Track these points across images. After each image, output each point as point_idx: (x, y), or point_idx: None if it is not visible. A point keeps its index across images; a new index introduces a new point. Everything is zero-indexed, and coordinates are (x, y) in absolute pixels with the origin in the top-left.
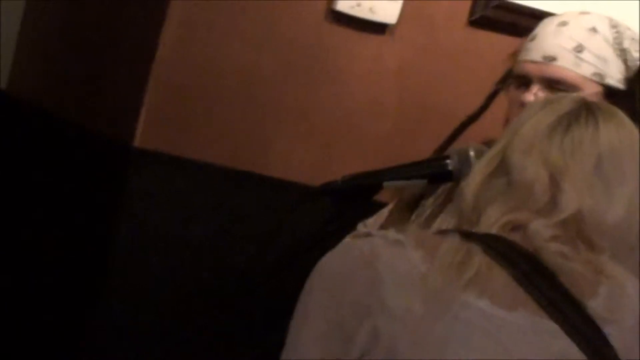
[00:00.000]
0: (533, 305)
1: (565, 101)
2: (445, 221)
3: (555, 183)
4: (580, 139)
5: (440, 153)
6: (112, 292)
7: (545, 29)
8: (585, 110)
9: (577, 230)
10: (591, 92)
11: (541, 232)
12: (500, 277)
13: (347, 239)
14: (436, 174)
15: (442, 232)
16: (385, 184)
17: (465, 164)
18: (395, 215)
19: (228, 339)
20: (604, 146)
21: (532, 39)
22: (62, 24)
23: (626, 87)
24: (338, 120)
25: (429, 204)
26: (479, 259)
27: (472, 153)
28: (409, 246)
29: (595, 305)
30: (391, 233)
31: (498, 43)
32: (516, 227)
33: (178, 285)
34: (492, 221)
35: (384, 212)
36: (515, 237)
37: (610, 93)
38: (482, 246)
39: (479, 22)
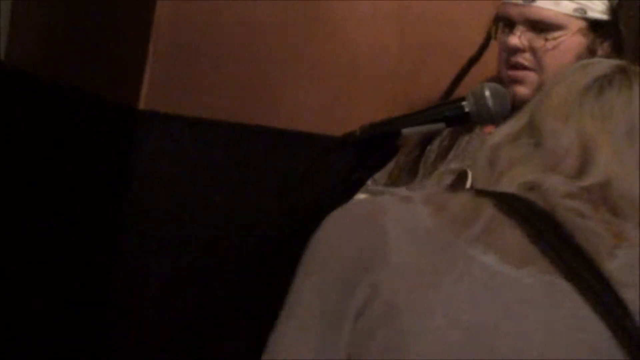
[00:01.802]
0: (545, 263)
1: (601, 65)
2: (455, 164)
3: (586, 151)
4: (611, 105)
5: (447, 96)
6: (125, 256)
7: None
8: (620, 74)
9: (603, 197)
10: (575, 29)
11: (558, 189)
12: (511, 234)
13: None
14: (453, 116)
15: (455, 190)
16: (404, 130)
17: (481, 104)
18: (402, 164)
19: (243, 301)
20: (636, 112)
21: None
22: None
23: (610, 17)
24: (342, 65)
25: (434, 148)
26: (489, 214)
27: (487, 92)
28: (417, 202)
29: (613, 268)
30: (401, 190)
31: None
32: (535, 186)
33: (192, 246)
34: (513, 181)
35: (391, 165)
36: (533, 196)
37: (594, 26)
38: (494, 202)
39: None
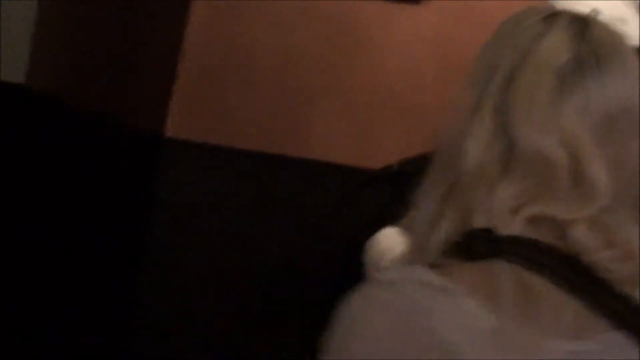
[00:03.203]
0: (602, 324)
1: (562, 20)
2: None
3: (574, 160)
4: (587, 93)
5: None
6: (148, 283)
7: None
8: (586, 53)
9: (606, 217)
10: None
11: (587, 244)
12: (564, 305)
13: (371, 288)
14: None
15: (481, 256)
16: None
17: None
18: None
19: (269, 335)
20: (612, 97)
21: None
22: (81, 13)
23: None
24: (376, 94)
25: None
26: (541, 291)
27: None
28: (459, 294)
29: None
30: (428, 275)
31: None
32: (540, 219)
33: (216, 277)
34: (506, 209)
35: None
36: (542, 232)
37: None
38: (528, 266)
39: None
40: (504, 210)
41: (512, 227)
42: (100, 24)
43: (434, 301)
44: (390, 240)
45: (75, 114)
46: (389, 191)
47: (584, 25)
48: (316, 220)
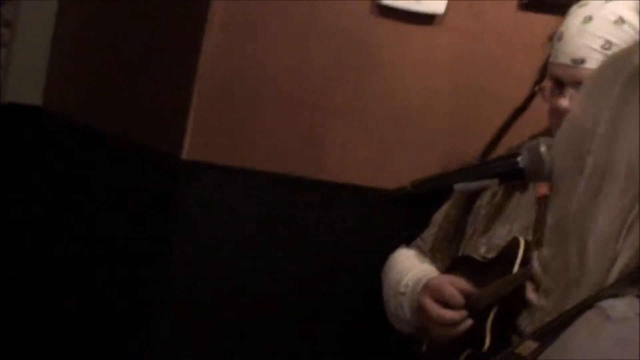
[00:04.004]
0: None
1: None
2: (508, 223)
3: None
4: None
5: (492, 147)
6: (166, 306)
7: (570, 28)
8: None
9: None
10: None
11: None
12: None
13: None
14: (507, 172)
15: None
16: (456, 186)
17: (536, 160)
18: (452, 218)
19: (282, 355)
20: None
21: (560, 38)
22: (97, 35)
23: None
24: (391, 115)
25: (484, 204)
26: None
27: (543, 148)
28: None
29: None
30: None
31: (550, 24)
32: None
33: (231, 297)
34: None
35: (437, 220)
36: None
37: None
38: None
39: (528, 4)
40: None
41: None
42: (116, 45)
43: None
44: (407, 261)
45: (91, 136)
46: (403, 212)
47: None
48: (331, 241)
